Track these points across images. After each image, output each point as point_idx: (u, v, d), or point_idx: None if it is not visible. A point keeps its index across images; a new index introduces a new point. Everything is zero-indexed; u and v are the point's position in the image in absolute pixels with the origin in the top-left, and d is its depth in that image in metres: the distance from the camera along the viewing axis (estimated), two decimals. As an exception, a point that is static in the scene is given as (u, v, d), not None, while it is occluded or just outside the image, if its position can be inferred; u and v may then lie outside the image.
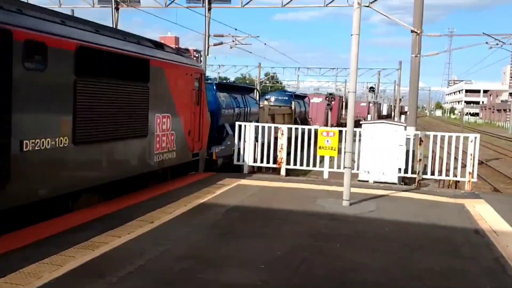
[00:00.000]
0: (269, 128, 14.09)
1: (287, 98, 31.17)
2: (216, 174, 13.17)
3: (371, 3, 21.30)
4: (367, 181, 13.08)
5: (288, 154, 13.66)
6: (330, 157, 13.01)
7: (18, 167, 6.80)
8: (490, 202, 10.51)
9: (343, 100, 51.84)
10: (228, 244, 6.84)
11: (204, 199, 9.63)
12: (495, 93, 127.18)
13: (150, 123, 10.33)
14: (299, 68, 69.01)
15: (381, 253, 6.73)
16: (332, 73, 68.51)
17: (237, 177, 12.46)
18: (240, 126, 13.92)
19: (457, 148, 12.61)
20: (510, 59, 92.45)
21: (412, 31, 16.57)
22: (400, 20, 17.65)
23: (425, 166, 13.01)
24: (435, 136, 12.96)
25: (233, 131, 15.67)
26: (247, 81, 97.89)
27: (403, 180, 13.98)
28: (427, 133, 13.56)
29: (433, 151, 14.24)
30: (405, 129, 14.47)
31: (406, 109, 63.13)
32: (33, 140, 7.05)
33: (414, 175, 12.81)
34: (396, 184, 13.05)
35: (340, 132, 12.38)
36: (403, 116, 58.00)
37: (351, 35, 9.43)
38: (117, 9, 26.98)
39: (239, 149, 13.95)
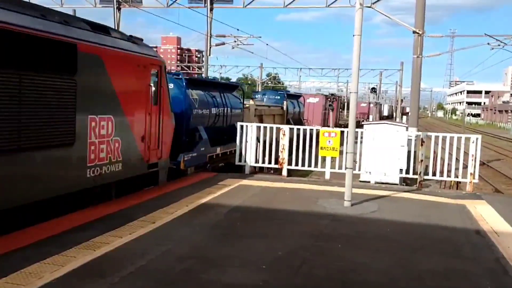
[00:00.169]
0: (271, 128, 14.09)
1: (279, 97, 28.87)
2: (218, 174, 13.16)
3: (373, 3, 21.33)
4: (369, 182, 13.08)
5: (290, 154, 13.66)
6: (332, 157, 13.01)
7: None
8: (492, 203, 10.50)
9: (342, 100, 51.56)
10: (229, 244, 6.84)
11: (205, 200, 9.63)
12: (496, 94, 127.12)
13: (78, 128, 8.15)
14: (301, 68, 69.07)
15: (382, 253, 6.73)
16: (334, 73, 68.62)
17: (239, 178, 12.46)
18: (242, 126, 13.93)
19: (458, 149, 12.59)
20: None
21: (414, 32, 16.56)
22: (402, 21, 17.65)
23: (427, 167, 13.00)
24: (436, 137, 12.94)
25: (209, 134, 14.78)
26: (249, 82, 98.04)
27: (405, 181, 13.98)
28: (429, 134, 13.55)
29: (434, 152, 14.25)
30: (407, 129, 14.47)
31: (407, 109, 63.16)
32: None
33: (415, 176, 12.81)
34: (397, 184, 13.04)
35: (342, 133, 12.38)
36: (404, 117, 57.95)
37: (353, 35, 9.43)
38: (119, 9, 27.04)
39: (240, 149, 13.91)
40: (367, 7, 18.51)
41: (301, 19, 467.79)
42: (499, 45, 23.92)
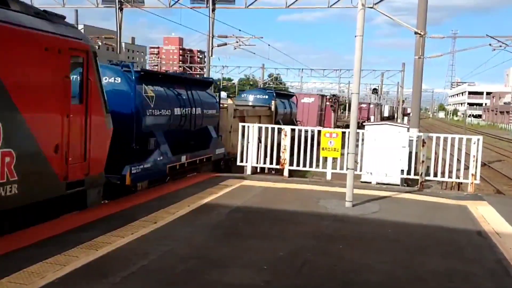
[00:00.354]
0: (272, 129, 14.10)
1: (267, 97, 25.86)
2: (219, 175, 13.17)
3: (375, 4, 21.33)
4: (370, 183, 13.08)
5: (291, 155, 13.67)
6: (333, 158, 13.01)
7: None
8: (493, 204, 10.49)
9: (340, 100, 51.31)
10: (231, 245, 6.85)
11: (207, 200, 9.64)
12: (498, 95, 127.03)
13: None
14: (302, 69, 69.23)
15: (384, 254, 6.73)
16: (336, 74, 68.65)
17: (240, 178, 12.47)
18: (243, 127, 13.94)
19: (460, 150, 12.59)
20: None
21: (415, 33, 16.55)
22: (404, 21, 17.65)
23: (428, 168, 13.00)
24: (437, 138, 12.94)
25: (171, 140, 12.41)
26: (251, 82, 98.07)
27: (406, 182, 13.97)
28: (430, 134, 13.55)
29: (435, 153, 14.25)
30: (408, 130, 14.47)
31: (408, 110, 63.14)
32: None
33: (417, 177, 12.80)
34: (398, 185, 13.04)
35: (343, 133, 12.39)
36: (406, 118, 57.96)
37: (355, 36, 9.43)
38: (121, 9, 27.08)
39: (242, 150, 13.90)
40: (369, 7, 18.50)
41: (303, 20, 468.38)
42: (500, 46, 23.93)
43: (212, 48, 30.27)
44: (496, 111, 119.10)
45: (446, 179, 13.58)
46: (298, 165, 13.53)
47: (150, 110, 11.66)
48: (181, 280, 5.44)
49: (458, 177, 12.91)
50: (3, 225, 7.04)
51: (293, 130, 14.03)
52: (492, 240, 7.61)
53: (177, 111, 12.98)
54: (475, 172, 12.33)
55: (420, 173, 12.59)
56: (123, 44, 33.36)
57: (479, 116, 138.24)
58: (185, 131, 13.74)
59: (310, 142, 13.57)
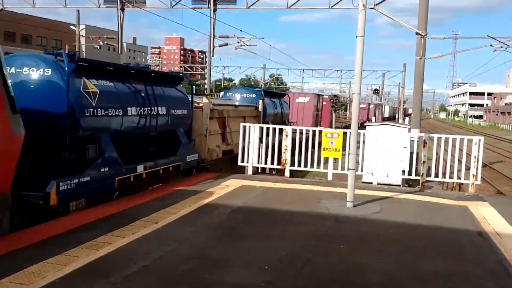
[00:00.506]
0: (274, 129, 14.11)
1: (254, 96, 23.17)
2: (221, 175, 13.18)
3: (376, 5, 21.28)
4: (371, 183, 13.07)
5: (292, 155, 13.66)
6: (334, 158, 13.01)
7: None
8: (494, 204, 10.49)
9: (340, 101, 51.09)
10: (232, 245, 6.86)
11: (208, 200, 9.65)
12: (499, 95, 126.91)
13: None
14: (303, 70, 69.16)
15: (385, 254, 6.73)
16: (337, 74, 68.64)
17: (242, 178, 12.48)
18: (244, 127, 13.95)
19: (461, 150, 12.59)
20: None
21: (417, 34, 16.56)
22: (406, 22, 17.64)
23: (429, 168, 13.00)
24: (439, 138, 12.93)
25: (122, 146, 10.17)
26: (252, 82, 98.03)
27: (407, 182, 13.96)
28: (431, 135, 13.54)
29: (437, 153, 14.24)
30: (409, 131, 14.46)
31: (410, 111, 63.13)
32: None
33: (418, 177, 12.80)
34: (399, 186, 13.03)
35: (345, 134, 12.39)
36: (407, 118, 57.93)
37: (356, 37, 9.43)
38: (122, 9, 27.09)
39: (243, 150, 13.90)
40: (370, 8, 18.47)
41: (304, 20, 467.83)
42: (501, 47, 23.87)
43: (213, 48, 30.30)
44: (497, 111, 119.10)
45: (447, 179, 13.57)
46: (299, 165, 13.53)
47: (91, 110, 9.36)
48: (182, 280, 5.44)
49: (459, 177, 12.89)
50: None
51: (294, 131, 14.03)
52: (492, 241, 7.61)
53: (132, 111, 10.70)
54: (476, 173, 12.33)
55: (421, 174, 12.59)
56: (124, 44, 33.36)
57: (480, 116, 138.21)
58: (144, 135, 11.33)
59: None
